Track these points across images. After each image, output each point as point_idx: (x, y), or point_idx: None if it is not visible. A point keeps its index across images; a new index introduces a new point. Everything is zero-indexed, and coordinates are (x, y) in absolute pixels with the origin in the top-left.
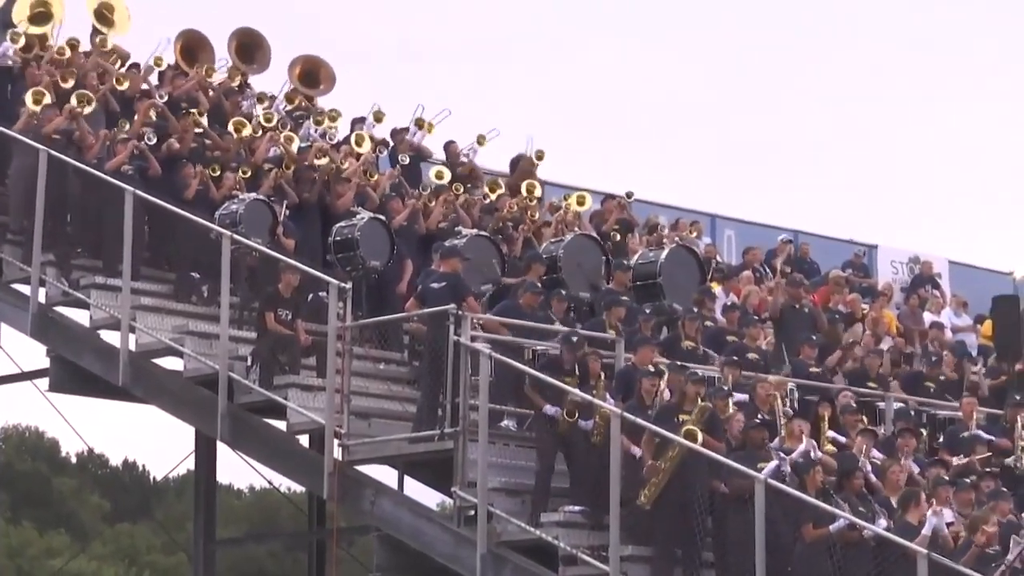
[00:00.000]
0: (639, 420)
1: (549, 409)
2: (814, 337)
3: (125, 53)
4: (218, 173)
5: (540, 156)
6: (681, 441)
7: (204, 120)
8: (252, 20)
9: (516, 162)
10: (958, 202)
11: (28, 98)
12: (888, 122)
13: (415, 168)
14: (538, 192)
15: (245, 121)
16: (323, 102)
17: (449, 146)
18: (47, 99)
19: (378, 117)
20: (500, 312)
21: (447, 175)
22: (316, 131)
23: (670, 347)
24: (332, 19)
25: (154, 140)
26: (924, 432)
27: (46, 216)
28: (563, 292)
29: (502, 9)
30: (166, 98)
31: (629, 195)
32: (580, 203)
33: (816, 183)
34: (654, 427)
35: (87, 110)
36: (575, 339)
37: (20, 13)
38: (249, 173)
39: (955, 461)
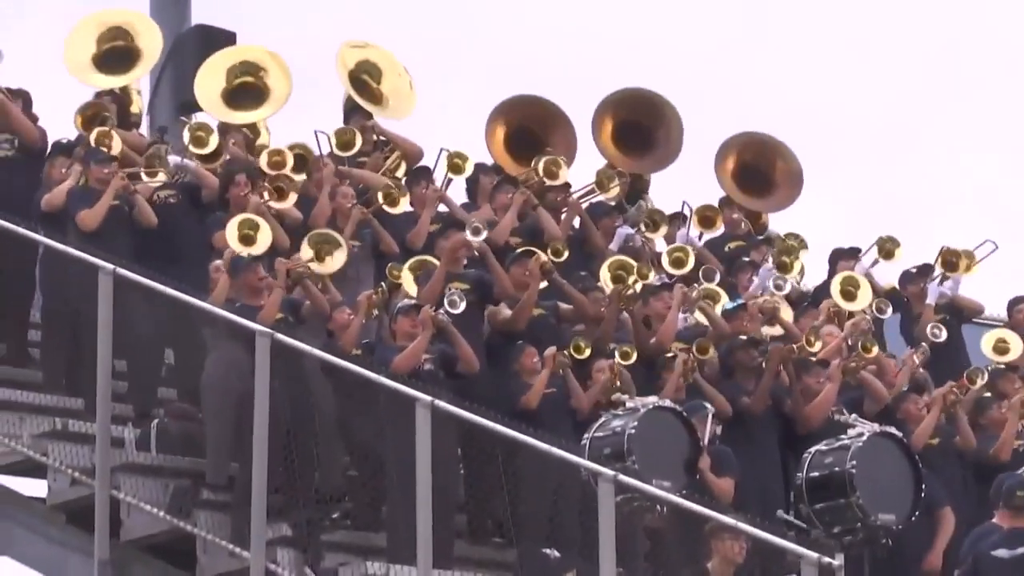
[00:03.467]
0: None
1: None
2: None
3: (414, 149)
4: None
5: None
6: None
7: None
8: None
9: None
10: None
11: (232, 236)
12: None
13: None
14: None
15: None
16: None
17: None
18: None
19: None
20: None
21: None
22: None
23: None
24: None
25: (460, 308)
26: None
27: (273, 456)
28: None
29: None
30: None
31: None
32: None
33: None
34: None
35: (332, 263)
36: None
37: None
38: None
39: None
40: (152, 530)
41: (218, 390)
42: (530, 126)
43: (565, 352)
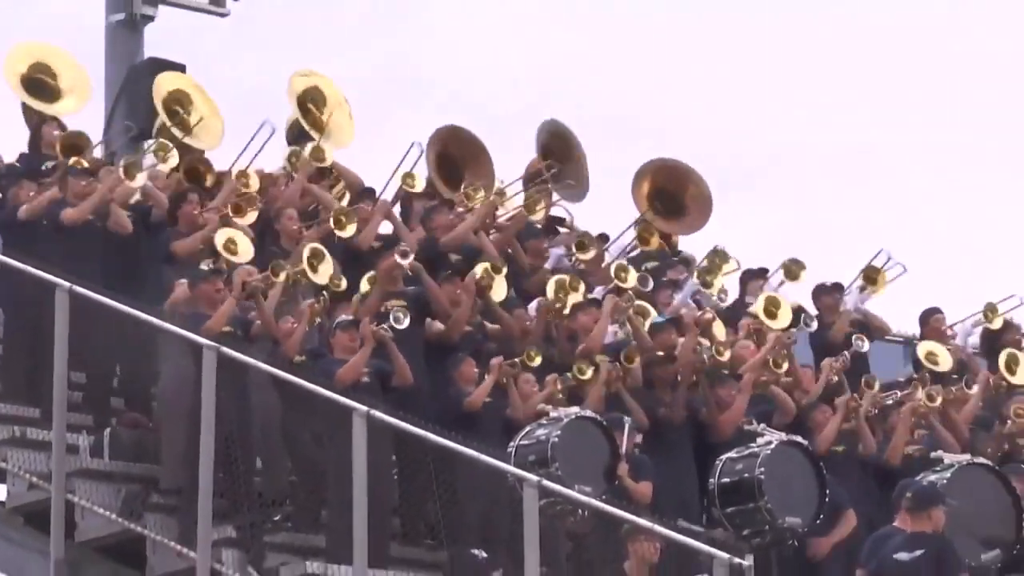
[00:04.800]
0: None
1: None
2: None
3: (355, 179)
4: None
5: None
6: None
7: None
8: None
9: None
10: None
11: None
12: None
13: None
14: None
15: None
16: None
17: None
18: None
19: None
20: None
21: None
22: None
23: None
24: None
25: (403, 324)
26: None
27: (219, 462)
28: None
29: None
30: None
31: None
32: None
33: None
34: None
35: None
36: None
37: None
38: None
39: None
40: (105, 532)
41: (174, 400)
42: (453, 155)
43: (517, 361)
